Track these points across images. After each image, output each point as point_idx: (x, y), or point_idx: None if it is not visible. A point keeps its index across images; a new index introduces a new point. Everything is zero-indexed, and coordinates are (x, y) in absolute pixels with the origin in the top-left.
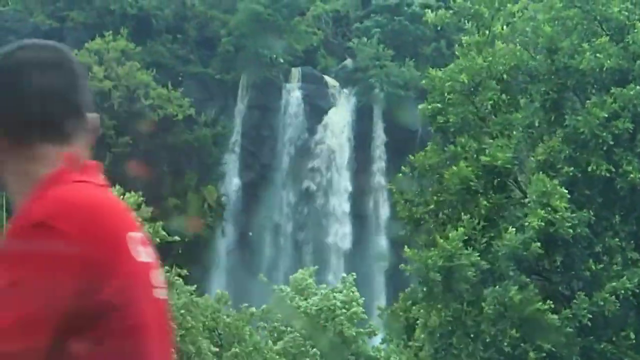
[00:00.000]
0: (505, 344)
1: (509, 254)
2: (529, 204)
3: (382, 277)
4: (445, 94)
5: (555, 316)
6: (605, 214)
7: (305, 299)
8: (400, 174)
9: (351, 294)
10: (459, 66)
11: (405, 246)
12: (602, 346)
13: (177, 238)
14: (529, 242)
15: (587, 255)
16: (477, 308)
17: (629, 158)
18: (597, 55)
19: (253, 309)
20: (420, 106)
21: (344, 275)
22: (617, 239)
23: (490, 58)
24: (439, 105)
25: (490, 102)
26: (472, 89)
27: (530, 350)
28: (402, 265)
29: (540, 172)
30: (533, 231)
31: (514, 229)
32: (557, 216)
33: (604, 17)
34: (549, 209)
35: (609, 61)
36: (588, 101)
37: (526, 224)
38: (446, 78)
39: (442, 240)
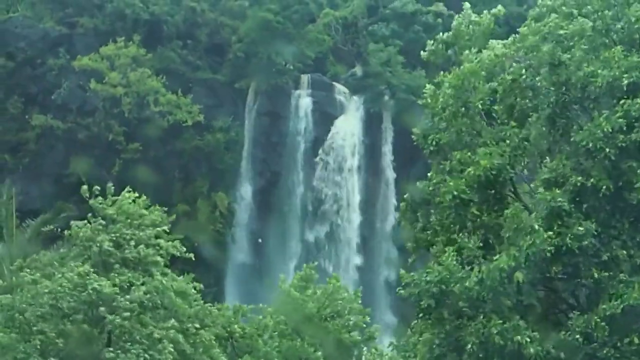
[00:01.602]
0: None
1: (496, 280)
2: (505, 238)
3: (391, 283)
4: (440, 108)
5: (533, 349)
6: (614, 223)
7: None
8: (404, 202)
9: (343, 299)
10: (449, 78)
11: (402, 270)
12: (605, 352)
13: (192, 256)
14: (512, 271)
15: (593, 264)
16: (469, 331)
17: (638, 172)
18: (612, 67)
19: (268, 320)
20: (414, 130)
21: (329, 278)
22: (624, 248)
23: (479, 63)
24: (430, 122)
25: (482, 105)
26: (465, 101)
27: None
28: (399, 289)
29: (543, 188)
30: (520, 259)
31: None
32: (540, 245)
33: (615, 27)
34: (521, 245)
35: (626, 75)
36: (596, 113)
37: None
38: (441, 93)
39: (436, 265)
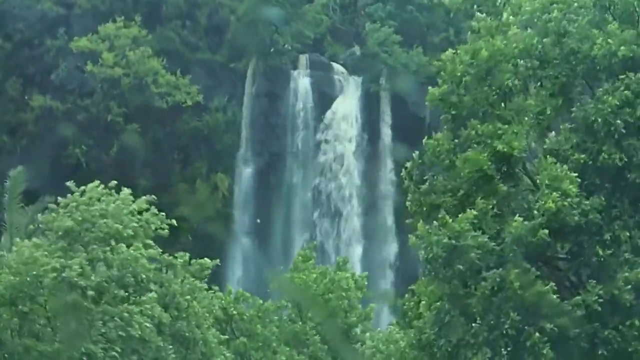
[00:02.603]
0: (507, 326)
1: (516, 240)
2: (539, 190)
3: (392, 259)
4: (458, 75)
5: (556, 297)
6: (615, 202)
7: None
8: (411, 161)
9: (348, 279)
10: (474, 47)
11: (419, 223)
12: (606, 333)
13: (173, 222)
14: (537, 229)
15: (596, 242)
16: (479, 290)
17: None
18: (609, 41)
19: (268, 304)
20: (430, 90)
21: (340, 259)
22: (626, 227)
23: (505, 42)
24: (448, 87)
25: (508, 82)
26: (487, 72)
27: (533, 333)
28: (410, 235)
29: (549, 158)
30: (542, 218)
31: (521, 218)
32: (568, 202)
33: (613, 3)
34: (560, 193)
35: (622, 48)
36: (599, 89)
37: (535, 211)
38: (459, 60)
39: (450, 221)
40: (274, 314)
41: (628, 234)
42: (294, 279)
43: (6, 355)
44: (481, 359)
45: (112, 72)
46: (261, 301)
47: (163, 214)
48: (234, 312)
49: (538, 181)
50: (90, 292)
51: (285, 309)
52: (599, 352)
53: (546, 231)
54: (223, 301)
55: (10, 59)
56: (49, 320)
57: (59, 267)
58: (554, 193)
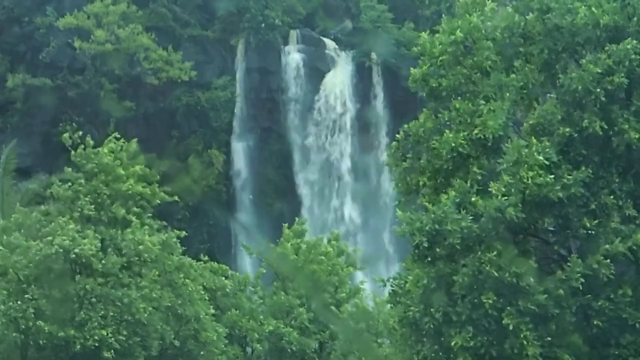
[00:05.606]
0: (487, 306)
1: (491, 218)
2: (502, 172)
3: (388, 233)
4: (437, 55)
5: (532, 279)
6: (602, 173)
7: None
8: (395, 142)
9: (339, 253)
10: (450, 26)
11: (397, 210)
12: (599, 303)
13: (176, 198)
14: (505, 208)
15: (583, 213)
16: (462, 272)
17: (625, 116)
18: (593, 10)
19: (248, 274)
20: (412, 71)
21: (331, 234)
22: (613, 197)
23: (482, 17)
24: (429, 68)
25: (487, 61)
26: (465, 50)
27: (512, 313)
28: (394, 227)
29: (531, 136)
30: (510, 198)
31: (499, 195)
32: (540, 181)
33: None
34: (519, 177)
35: (605, 17)
36: (583, 60)
37: (502, 189)
38: (437, 40)
39: (431, 206)
40: (254, 284)
41: (617, 202)
42: (274, 250)
43: (22, 337)
44: (465, 336)
45: (102, 48)
46: (238, 274)
47: (159, 187)
48: (215, 285)
49: (500, 165)
50: (100, 279)
51: (263, 278)
52: (594, 323)
53: (511, 209)
54: (204, 277)
55: None
56: (61, 304)
57: (95, 249)
58: (510, 179)
